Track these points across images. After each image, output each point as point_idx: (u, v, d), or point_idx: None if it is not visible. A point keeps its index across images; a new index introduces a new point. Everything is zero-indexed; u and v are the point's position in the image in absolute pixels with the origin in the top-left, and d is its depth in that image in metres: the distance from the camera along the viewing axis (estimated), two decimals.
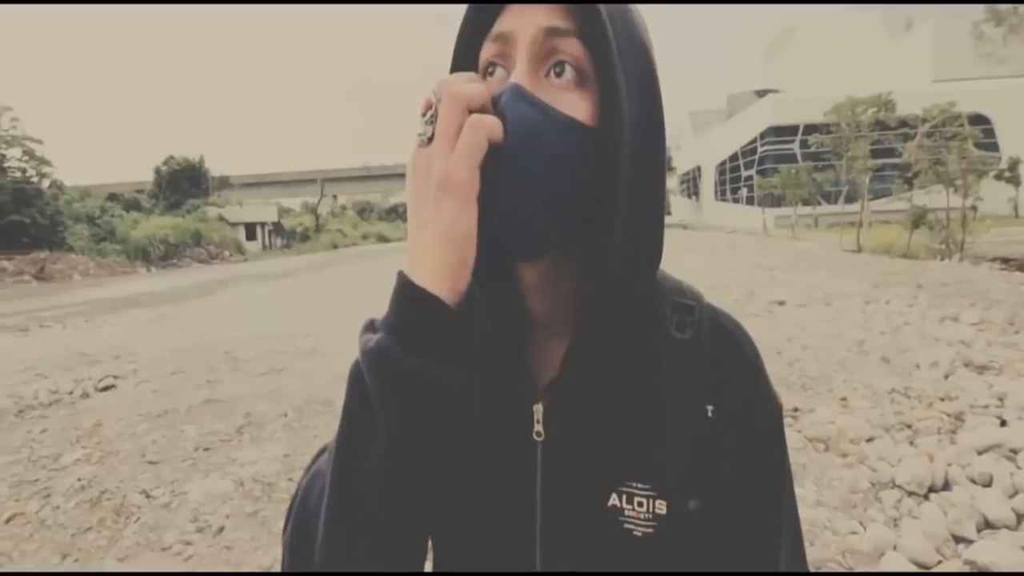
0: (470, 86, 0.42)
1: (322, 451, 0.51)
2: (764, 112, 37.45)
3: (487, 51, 0.46)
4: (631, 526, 0.49)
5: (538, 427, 0.51)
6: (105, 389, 5.71)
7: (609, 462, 0.50)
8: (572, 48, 0.43)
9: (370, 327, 0.43)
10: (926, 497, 2.97)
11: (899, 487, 3.06)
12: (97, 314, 11.41)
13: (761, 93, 45.25)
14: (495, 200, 0.41)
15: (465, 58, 0.48)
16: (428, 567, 0.55)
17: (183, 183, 39.28)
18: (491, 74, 0.46)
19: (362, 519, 0.40)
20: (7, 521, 3.12)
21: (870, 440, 3.64)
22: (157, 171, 40.12)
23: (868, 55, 49.95)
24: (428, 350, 0.40)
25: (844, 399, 4.38)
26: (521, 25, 0.43)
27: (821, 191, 30.76)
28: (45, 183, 24.55)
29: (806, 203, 30.36)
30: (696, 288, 0.56)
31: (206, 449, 4.02)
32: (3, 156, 23.18)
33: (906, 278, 10.55)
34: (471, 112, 0.41)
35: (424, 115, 0.42)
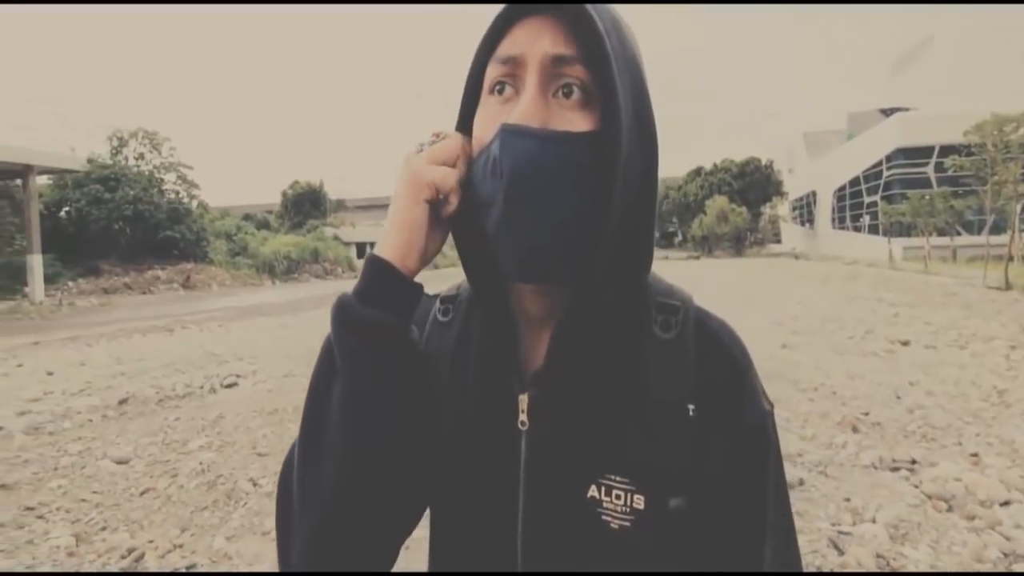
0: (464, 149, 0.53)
1: None
2: (891, 132, 34.27)
3: (495, 71, 0.49)
4: (608, 518, 0.50)
5: (523, 416, 0.53)
6: (229, 386, 6.39)
7: (589, 454, 0.51)
8: (577, 72, 0.47)
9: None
10: None
11: None
12: (229, 320, 12.79)
13: (887, 111, 41.54)
14: (513, 236, 0.47)
15: (475, 78, 0.53)
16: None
17: (305, 205, 43.34)
18: (500, 92, 0.50)
19: (325, 457, 0.48)
20: (141, 494, 3.59)
21: (1005, 504, 3.17)
22: (284, 194, 44.63)
23: (1020, 66, 43.99)
24: (380, 303, 0.49)
25: (975, 455, 3.85)
26: (530, 51, 0.47)
27: (960, 220, 27.39)
28: (193, 203, 28.06)
29: (941, 233, 27.19)
30: (686, 292, 0.57)
31: None
32: (162, 180, 26.85)
33: None
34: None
35: (431, 138, 0.53)
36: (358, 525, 0.49)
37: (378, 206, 61.37)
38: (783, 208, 54.42)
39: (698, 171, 51.90)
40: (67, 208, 23.95)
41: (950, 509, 3.18)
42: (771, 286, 16.35)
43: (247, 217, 39.95)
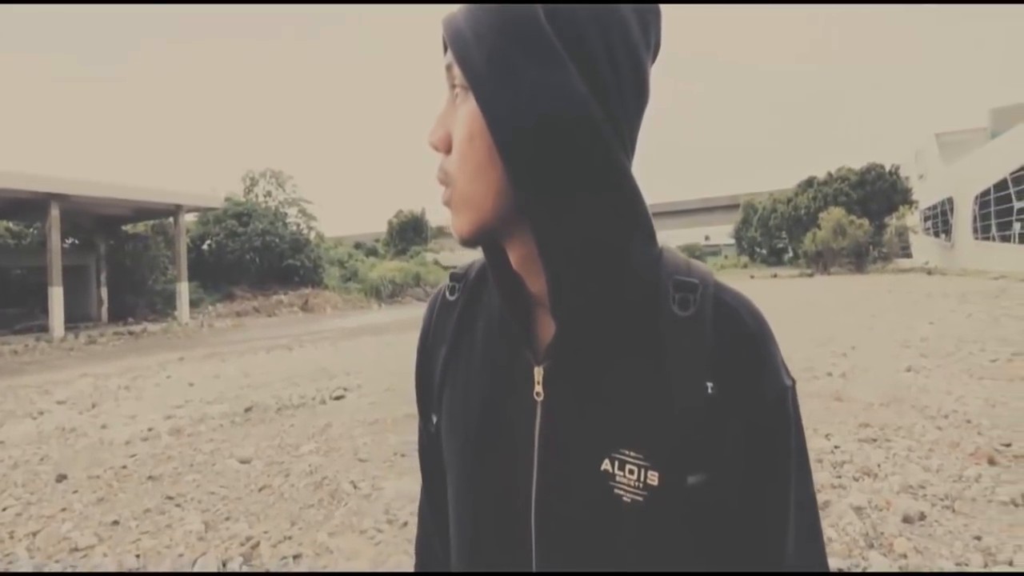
0: None
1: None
2: None
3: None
4: (621, 492, 0.50)
5: (538, 388, 0.54)
6: (337, 398, 6.91)
7: (603, 428, 0.51)
8: (456, 73, 0.50)
9: None
10: None
11: None
12: (339, 339, 13.82)
13: None
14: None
15: None
16: None
17: (408, 232, 46.01)
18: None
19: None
20: (260, 490, 3.99)
21: None
22: (389, 223, 47.69)
23: None
24: None
25: None
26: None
27: None
28: (312, 234, 30.81)
29: None
30: (705, 268, 0.55)
31: (402, 455, 4.61)
32: (286, 214, 29.80)
33: None
34: None
35: None
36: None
37: None
38: (912, 218, 48.89)
39: (810, 182, 48.05)
40: (208, 241, 27.28)
41: None
42: (898, 304, 14.72)
43: (358, 245, 43.05)
